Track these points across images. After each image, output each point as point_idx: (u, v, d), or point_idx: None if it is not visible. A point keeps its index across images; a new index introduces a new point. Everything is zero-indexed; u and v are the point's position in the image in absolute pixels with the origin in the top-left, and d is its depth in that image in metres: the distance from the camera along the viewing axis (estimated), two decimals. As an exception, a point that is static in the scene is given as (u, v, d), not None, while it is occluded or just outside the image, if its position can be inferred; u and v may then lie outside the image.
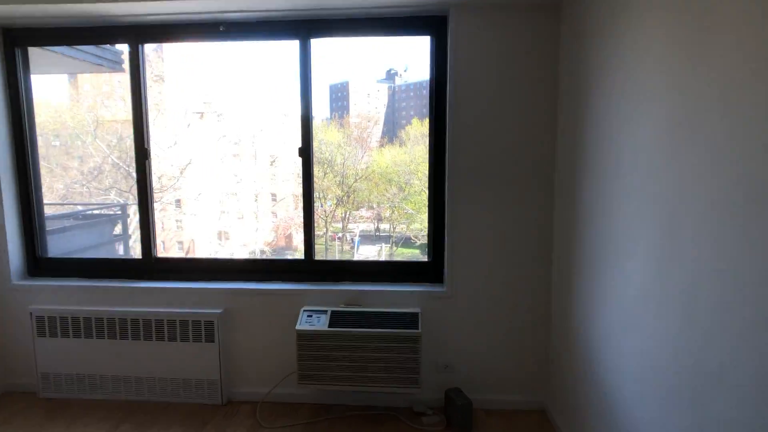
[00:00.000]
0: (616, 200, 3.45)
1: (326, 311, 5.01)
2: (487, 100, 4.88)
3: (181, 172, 26.90)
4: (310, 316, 4.94)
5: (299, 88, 5.25)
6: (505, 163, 5.02)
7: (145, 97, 5.36)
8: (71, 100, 38.46)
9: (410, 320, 4.87)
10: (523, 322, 5.25)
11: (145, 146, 5.47)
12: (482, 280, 5.21)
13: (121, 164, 23.30)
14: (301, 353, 4.83)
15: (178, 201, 46.94)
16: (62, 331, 5.32)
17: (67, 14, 4.75)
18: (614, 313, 3.52)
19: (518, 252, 5.14)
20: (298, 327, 4.90)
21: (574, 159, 4.28)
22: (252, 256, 43.10)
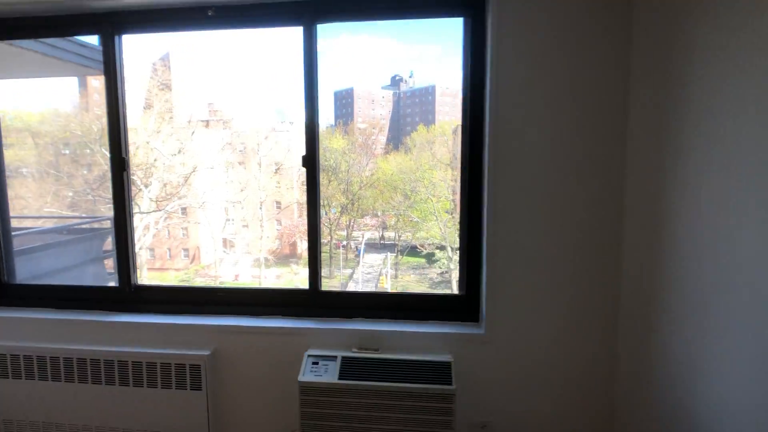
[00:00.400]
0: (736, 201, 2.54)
1: (335, 357, 4.12)
2: (538, 96, 3.99)
3: (186, 180, 26.24)
4: (316, 363, 4.05)
5: (303, 82, 4.39)
6: (561, 174, 4.11)
7: (123, 98, 4.54)
8: (80, 108, 38.21)
9: (441, 372, 3.96)
10: (582, 374, 4.31)
11: (123, 155, 4.63)
12: (530, 320, 4.28)
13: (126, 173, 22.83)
14: (305, 410, 3.94)
15: (183, 209, 46.43)
16: (27, 372, 4.47)
17: (25, 0, 3.95)
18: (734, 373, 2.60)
19: (577, 284, 4.22)
20: (301, 378, 4.01)
21: (660, 165, 3.36)
22: (250, 284, 42.36)
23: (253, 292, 4.98)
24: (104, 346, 4.53)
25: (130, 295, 4.80)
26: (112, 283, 4.99)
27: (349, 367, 4.04)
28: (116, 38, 4.53)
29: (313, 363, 4.07)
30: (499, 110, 4.03)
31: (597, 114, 3.92)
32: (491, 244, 4.21)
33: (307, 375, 3.99)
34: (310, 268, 4.58)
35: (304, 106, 4.61)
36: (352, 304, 4.60)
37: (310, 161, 4.66)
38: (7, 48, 6.25)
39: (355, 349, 4.30)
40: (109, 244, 11.40)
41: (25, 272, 7.08)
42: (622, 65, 3.82)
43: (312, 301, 4.62)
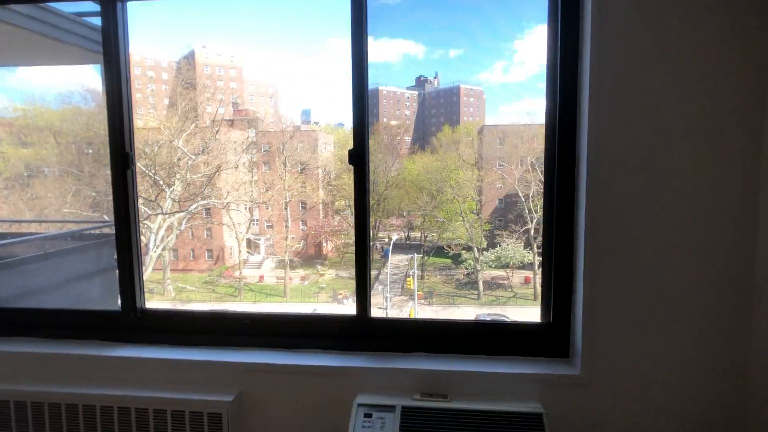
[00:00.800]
0: None
1: (394, 408, 3.15)
2: (648, 90, 2.93)
3: (210, 180, 25.78)
4: (369, 415, 3.09)
5: (351, 49, 3.45)
6: (680, 180, 3.03)
7: (127, 79, 3.66)
8: (102, 106, 38.42)
9: (530, 427, 2.96)
10: (710, 425, 3.24)
11: (126, 150, 3.73)
12: (642, 358, 3.23)
13: (146, 172, 22.31)
14: (358, 483, 2.99)
15: (208, 210, 46.23)
16: (2, 421, 3.60)
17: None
18: None
19: (703, 311, 3.15)
20: (352, 440, 3.04)
21: None
22: (274, 286, 41.79)
23: (288, 319, 4.02)
24: (101, 388, 3.60)
25: (135, 322, 3.88)
26: (116, 306, 4.11)
27: (412, 421, 3.07)
28: (119, 5, 3.64)
29: (365, 415, 3.12)
30: (602, 102, 2.99)
31: (726, 109, 2.85)
32: (590, 259, 3.15)
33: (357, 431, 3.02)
34: (357, 288, 3.63)
35: (352, 72, 3.72)
36: (411, 334, 3.62)
37: (359, 157, 3.68)
38: (10, 31, 5.53)
39: (418, 396, 3.31)
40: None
41: (9, 289, 6.15)
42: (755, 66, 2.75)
43: (360, 331, 3.65)
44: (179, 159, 24.79)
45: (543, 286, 3.68)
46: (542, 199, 3.63)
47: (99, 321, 3.91)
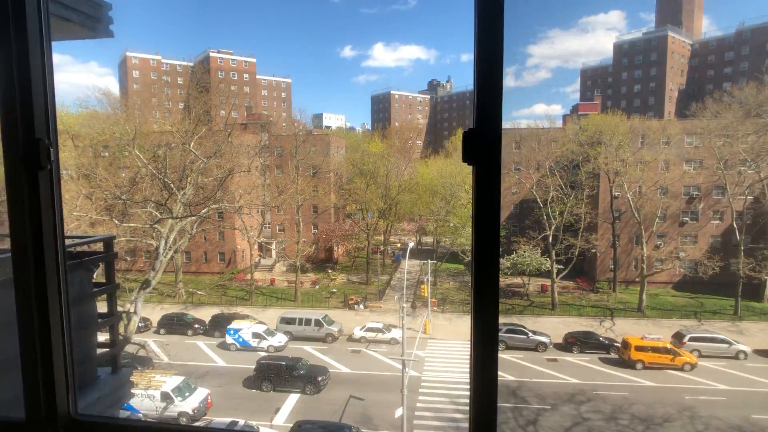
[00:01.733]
0: None
1: None
2: None
3: (221, 183, 25.44)
4: None
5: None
6: None
7: (46, 22, 1.81)
8: (121, 111, 38.27)
9: None
10: None
11: (36, 134, 1.99)
12: None
13: (158, 175, 21.96)
14: None
15: (220, 213, 45.88)
16: None
17: None
18: None
19: None
20: None
21: None
22: (285, 290, 41.23)
23: None
24: None
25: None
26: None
27: None
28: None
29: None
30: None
31: None
32: None
33: None
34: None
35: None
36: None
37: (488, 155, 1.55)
38: None
39: None
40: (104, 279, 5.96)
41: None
42: None
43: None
44: (192, 162, 24.54)
45: None
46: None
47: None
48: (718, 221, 41.96)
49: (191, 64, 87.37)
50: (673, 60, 79.11)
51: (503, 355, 29.59)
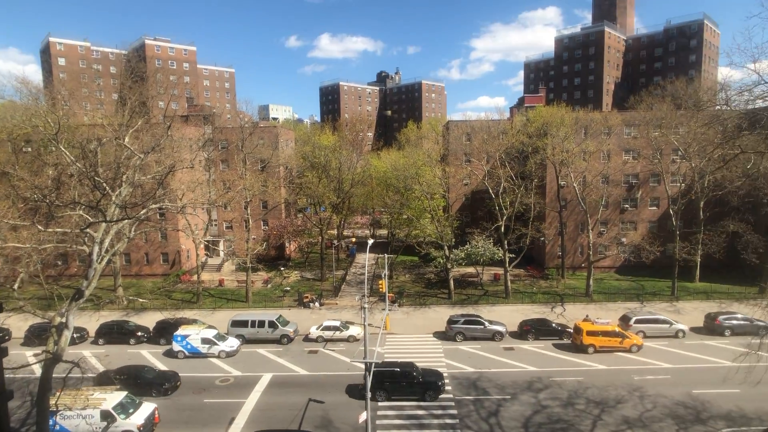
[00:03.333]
0: None
1: None
2: None
3: (161, 181, 23.61)
4: None
5: None
6: None
7: None
8: (45, 102, 34.91)
9: None
10: None
11: None
12: None
13: (87, 173, 19.82)
14: None
15: (162, 213, 43.36)
16: None
17: None
18: None
19: None
20: None
21: None
22: (236, 290, 39.51)
23: None
24: None
25: None
26: None
27: None
28: None
29: None
30: None
31: None
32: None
33: None
34: None
35: None
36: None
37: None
38: None
39: None
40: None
41: None
42: None
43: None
44: (127, 158, 22.43)
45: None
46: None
47: None
48: (655, 207, 44.17)
49: (125, 51, 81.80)
50: (610, 54, 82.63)
51: (462, 347, 29.66)
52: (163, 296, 39.73)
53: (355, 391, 22.94)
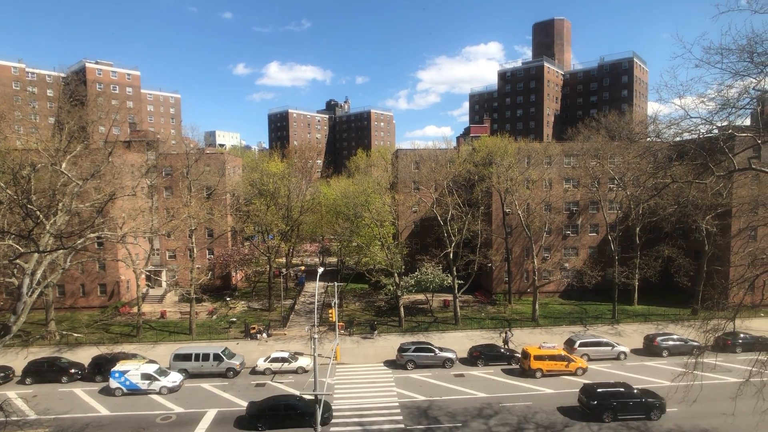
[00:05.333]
0: None
1: None
2: None
3: (100, 209, 22.48)
4: None
5: None
6: None
7: None
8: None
9: None
10: None
11: None
12: None
13: (18, 200, 18.52)
14: None
15: (101, 242, 41.06)
16: None
17: None
18: None
19: None
20: None
21: None
22: (179, 321, 37.84)
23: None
24: None
25: None
26: None
27: None
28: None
29: None
30: None
31: None
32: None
33: None
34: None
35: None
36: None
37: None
38: None
39: None
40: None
41: None
42: None
43: None
44: (64, 185, 21.14)
45: None
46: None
47: None
48: (594, 234, 46.46)
49: (63, 74, 78.33)
50: (549, 88, 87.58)
51: (413, 375, 29.53)
52: (101, 330, 37.31)
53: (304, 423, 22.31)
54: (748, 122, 16.79)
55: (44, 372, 28.13)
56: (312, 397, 22.03)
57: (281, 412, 22.14)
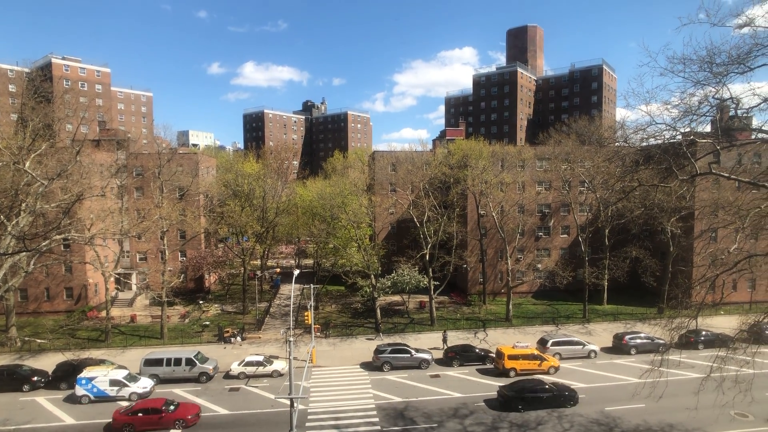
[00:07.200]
0: None
1: None
2: None
3: (67, 210, 21.76)
4: None
5: None
6: None
7: None
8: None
9: None
10: None
11: None
12: None
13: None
14: None
15: (67, 244, 39.78)
16: None
17: None
18: None
19: None
20: None
21: None
22: (149, 326, 36.91)
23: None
24: None
25: None
26: None
27: None
28: None
29: None
30: None
31: None
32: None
33: None
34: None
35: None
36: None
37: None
38: None
39: None
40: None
41: None
42: None
43: None
44: (27, 185, 20.36)
45: None
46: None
47: None
48: (566, 235, 47.49)
49: (27, 69, 75.61)
50: (522, 93, 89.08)
51: (389, 376, 29.62)
52: (66, 335, 36.12)
53: (279, 428, 22.09)
54: (708, 129, 17.49)
55: (3, 380, 27.00)
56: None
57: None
